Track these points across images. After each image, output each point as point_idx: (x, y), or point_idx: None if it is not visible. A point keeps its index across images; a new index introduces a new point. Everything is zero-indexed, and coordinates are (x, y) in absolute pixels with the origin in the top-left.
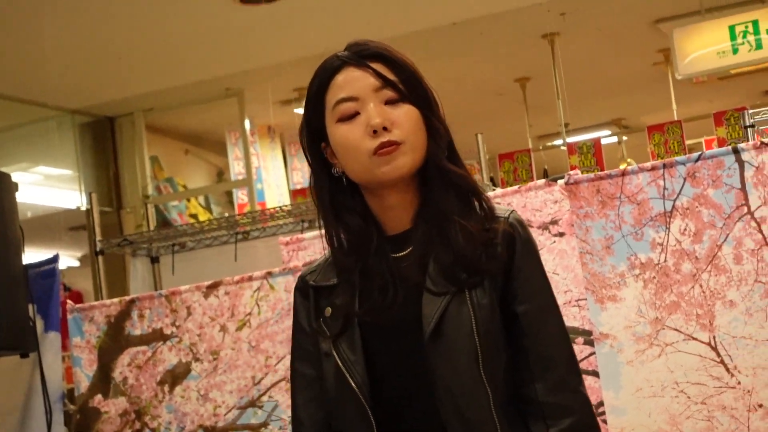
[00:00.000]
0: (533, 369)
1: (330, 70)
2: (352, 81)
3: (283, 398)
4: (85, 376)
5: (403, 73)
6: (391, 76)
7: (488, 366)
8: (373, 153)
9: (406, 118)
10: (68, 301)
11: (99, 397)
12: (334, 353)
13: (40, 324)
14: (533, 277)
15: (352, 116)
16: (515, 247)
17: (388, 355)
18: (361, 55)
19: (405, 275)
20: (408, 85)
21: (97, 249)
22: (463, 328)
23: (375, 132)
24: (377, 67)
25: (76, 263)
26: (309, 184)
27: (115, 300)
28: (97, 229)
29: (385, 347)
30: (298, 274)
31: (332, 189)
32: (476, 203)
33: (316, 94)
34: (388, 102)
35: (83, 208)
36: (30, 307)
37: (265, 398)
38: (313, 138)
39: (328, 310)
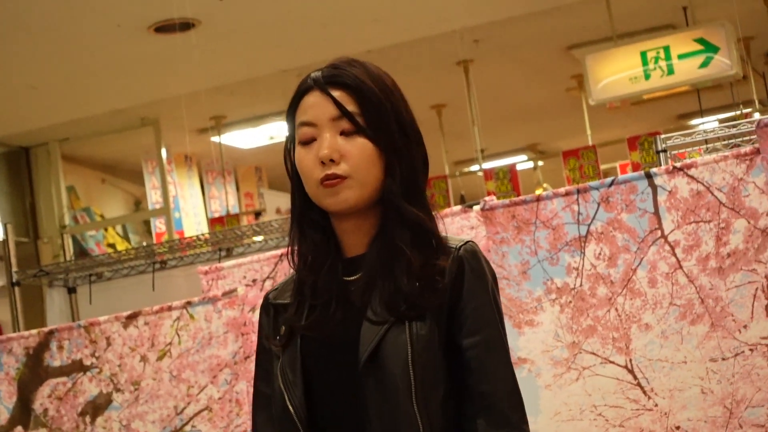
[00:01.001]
0: (476, 405)
1: (301, 90)
2: (315, 106)
3: (206, 427)
4: (4, 408)
5: (365, 105)
6: (352, 106)
7: (422, 398)
8: (320, 183)
9: (356, 152)
10: None
11: (19, 428)
12: (279, 374)
13: None
14: (481, 310)
15: (309, 141)
16: (463, 279)
17: (326, 379)
18: (328, 80)
19: (350, 299)
20: (368, 118)
21: (14, 280)
22: (398, 358)
23: (323, 163)
24: (340, 95)
25: None
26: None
27: (34, 331)
28: (13, 260)
29: (324, 370)
30: (218, 303)
31: (303, 204)
32: (430, 240)
33: (289, 111)
34: (344, 133)
35: None
36: None
37: (188, 428)
38: (291, 151)
39: (283, 329)
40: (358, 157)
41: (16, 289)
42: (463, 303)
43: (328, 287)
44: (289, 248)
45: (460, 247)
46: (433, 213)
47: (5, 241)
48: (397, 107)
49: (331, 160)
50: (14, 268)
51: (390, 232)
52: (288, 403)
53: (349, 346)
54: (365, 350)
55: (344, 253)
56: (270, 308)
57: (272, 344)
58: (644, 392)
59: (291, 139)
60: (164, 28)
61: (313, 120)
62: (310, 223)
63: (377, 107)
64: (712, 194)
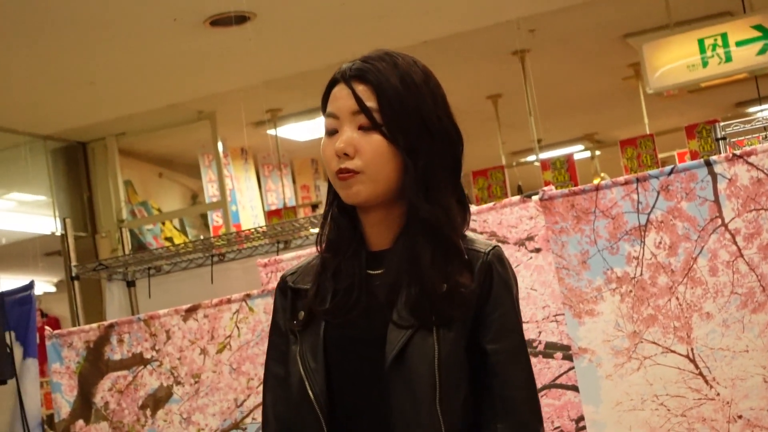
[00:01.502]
0: (497, 409)
1: (332, 82)
2: (339, 98)
3: None
4: (65, 401)
5: (384, 102)
6: (371, 102)
7: (445, 400)
8: (336, 174)
9: (370, 148)
10: (46, 327)
11: (80, 422)
12: (299, 359)
13: (19, 351)
14: (507, 317)
15: (332, 132)
16: (492, 285)
17: (348, 371)
18: (353, 73)
19: (374, 292)
20: (386, 116)
21: (73, 274)
22: (425, 360)
23: (339, 156)
24: (361, 89)
25: (52, 289)
26: None
27: (94, 325)
28: (72, 255)
29: (346, 362)
30: None
31: (335, 191)
32: (450, 242)
33: (322, 100)
34: (362, 128)
35: (58, 234)
36: (7, 334)
37: (248, 420)
38: None
39: (302, 314)
40: (371, 154)
41: (76, 283)
42: (489, 309)
43: (350, 273)
44: (319, 231)
45: (489, 252)
46: (459, 213)
47: (64, 236)
48: (423, 105)
49: (346, 154)
50: (73, 263)
51: (412, 231)
52: (309, 390)
53: (375, 342)
54: (392, 351)
55: (369, 246)
56: (288, 291)
57: (290, 327)
58: (706, 381)
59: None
60: (220, 21)
61: (335, 112)
62: (340, 209)
63: (397, 105)
64: None
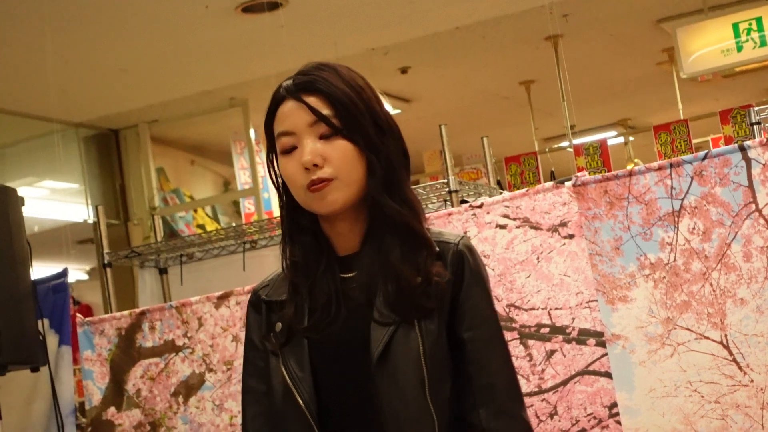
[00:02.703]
0: (477, 396)
1: (275, 102)
2: (290, 115)
3: None
4: (97, 389)
5: (339, 107)
6: (326, 110)
7: (434, 392)
8: (307, 188)
9: (338, 153)
10: (78, 314)
11: (112, 409)
12: (283, 369)
13: (54, 339)
14: (480, 305)
15: (290, 150)
16: (463, 275)
17: (335, 375)
18: (300, 87)
19: (351, 296)
20: (343, 119)
21: (105, 261)
22: (410, 354)
23: (307, 169)
24: (313, 100)
25: (85, 276)
26: None
27: (126, 312)
28: (105, 242)
29: (332, 366)
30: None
31: (290, 209)
32: (416, 235)
33: (266, 124)
34: (323, 137)
35: (90, 221)
36: (40, 321)
37: None
38: (273, 161)
39: (278, 326)
40: (340, 159)
41: (108, 270)
42: (463, 297)
43: (326, 287)
44: (282, 256)
45: (459, 242)
46: (419, 205)
47: (96, 224)
48: (371, 105)
49: (315, 165)
50: (105, 250)
51: (379, 229)
52: (298, 398)
53: (358, 343)
54: (376, 349)
55: (337, 252)
56: (261, 305)
57: (267, 341)
58: (740, 368)
59: (271, 150)
60: (252, 8)
61: (290, 129)
62: (298, 229)
63: (351, 107)
64: None
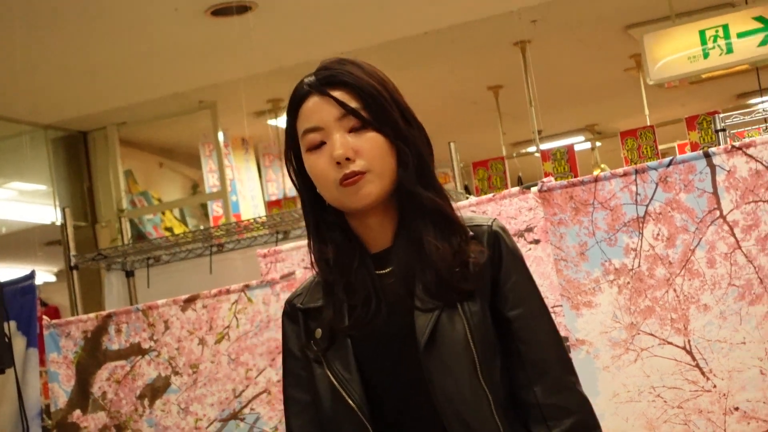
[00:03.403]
0: (530, 373)
1: (298, 98)
2: (316, 111)
3: (264, 410)
4: (62, 391)
5: (366, 99)
6: (353, 103)
7: (486, 372)
8: (339, 183)
9: (369, 146)
10: (44, 316)
11: (78, 412)
12: (329, 373)
13: (22, 341)
14: (521, 282)
15: (318, 146)
16: (501, 255)
17: (383, 370)
18: (324, 82)
19: (390, 290)
20: (371, 111)
21: (72, 264)
22: (457, 337)
23: (339, 163)
24: (339, 94)
25: (53, 278)
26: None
27: (92, 315)
28: (72, 244)
29: (379, 362)
30: (276, 285)
31: (316, 207)
32: (451, 222)
33: (289, 121)
34: (353, 130)
35: (58, 223)
36: (6, 324)
37: (246, 411)
38: (295, 160)
39: (318, 332)
40: (371, 151)
41: (75, 272)
42: (503, 277)
43: (363, 284)
44: (311, 255)
45: (492, 223)
46: (451, 202)
47: (63, 226)
48: (396, 96)
49: (347, 159)
50: (72, 252)
51: (412, 222)
52: (349, 400)
53: (403, 334)
54: (423, 336)
55: (369, 250)
56: (298, 314)
57: (308, 350)
58: (703, 373)
59: (292, 148)
60: (221, 11)
61: (318, 124)
62: (328, 227)
63: (378, 99)
64: None
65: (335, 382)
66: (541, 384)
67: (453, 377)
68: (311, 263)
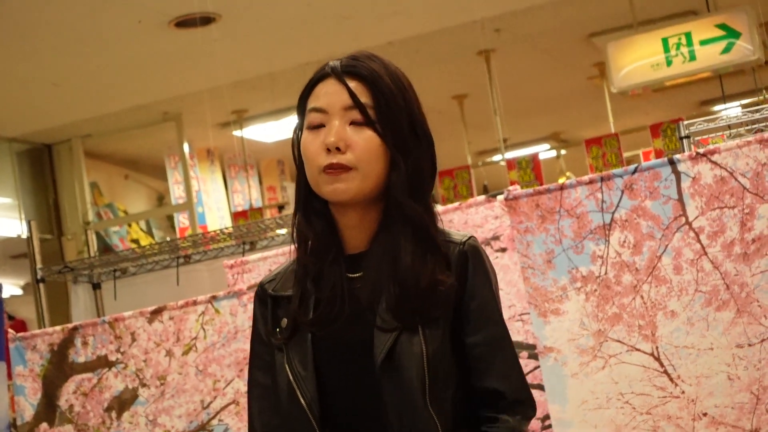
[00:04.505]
0: (485, 401)
1: (317, 78)
2: (328, 93)
3: (233, 421)
4: (29, 404)
5: (378, 98)
6: (366, 98)
7: (436, 398)
8: (323, 170)
9: (363, 144)
10: (9, 330)
11: (44, 425)
12: (287, 368)
13: None
14: (484, 307)
15: (317, 127)
16: (467, 276)
17: (338, 375)
18: (346, 69)
19: (355, 296)
20: (379, 112)
21: (38, 277)
22: (413, 360)
23: (329, 150)
24: (356, 86)
25: (19, 291)
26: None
27: (58, 328)
28: (38, 257)
29: (335, 367)
30: (244, 296)
31: (308, 192)
32: (431, 239)
33: (301, 96)
34: (354, 123)
35: (24, 236)
36: None
37: (214, 422)
38: (298, 139)
39: (284, 321)
40: (363, 149)
41: (41, 285)
42: (466, 299)
43: (331, 282)
44: (293, 233)
45: (464, 242)
46: (436, 215)
47: (29, 239)
48: (411, 106)
49: (338, 149)
50: (39, 265)
51: (392, 230)
52: (300, 398)
53: (362, 346)
54: (380, 353)
55: (345, 250)
56: (267, 299)
57: (272, 337)
58: (671, 379)
59: (300, 127)
60: (185, 23)
61: (324, 107)
62: (314, 211)
63: (390, 102)
64: (736, 180)
65: (291, 378)
66: (495, 412)
67: (404, 397)
68: (292, 242)
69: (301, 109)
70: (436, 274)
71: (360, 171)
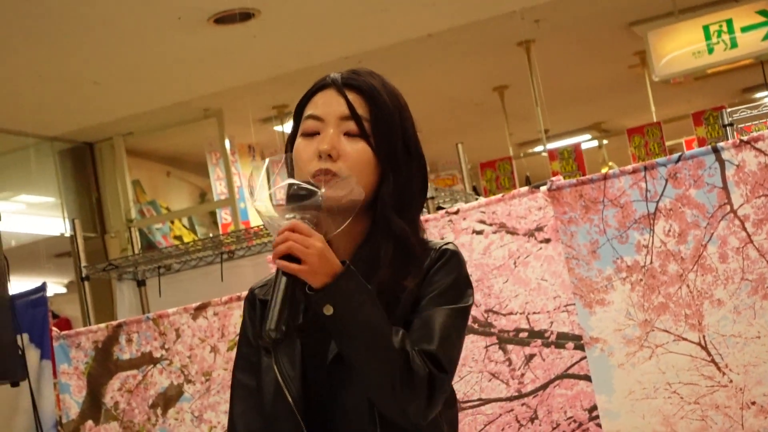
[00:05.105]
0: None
1: (317, 86)
2: (326, 102)
3: None
4: (74, 402)
5: (375, 113)
6: (362, 111)
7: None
8: (312, 175)
9: (356, 155)
10: (54, 328)
11: (90, 423)
12: (275, 368)
13: (36, 353)
14: (443, 281)
15: (312, 134)
16: (433, 266)
17: (322, 378)
18: (345, 81)
19: None
20: (375, 126)
21: (83, 275)
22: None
23: (321, 157)
24: (354, 98)
25: (63, 290)
26: None
27: (102, 325)
28: (82, 255)
29: (320, 370)
30: None
31: None
32: (409, 256)
33: (299, 104)
34: (349, 134)
35: (67, 235)
36: (19, 336)
37: None
38: (292, 145)
39: None
40: (355, 160)
41: (86, 283)
42: (425, 285)
43: None
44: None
45: (440, 247)
46: (422, 234)
47: (73, 237)
48: (406, 124)
49: (329, 156)
50: (83, 263)
51: (375, 244)
52: (288, 396)
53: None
54: (331, 352)
55: None
56: (257, 303)
57: (260, 339)
58: (718, 368)
59: (294, 134)
60: (224, 19)
61: (321, 115)
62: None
63: (386, 117)
64: None
65: (279, 377)
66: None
67: (354, 397)
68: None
69: (298, 116)
70: (409, 285)
71: None
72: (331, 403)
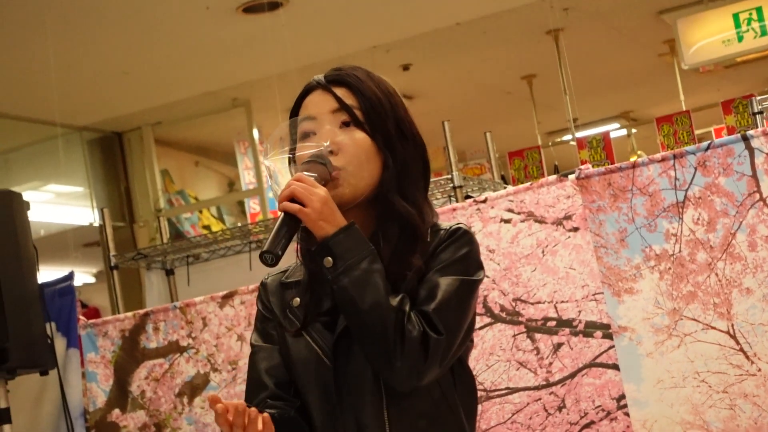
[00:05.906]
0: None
1: (303, 92)
2: (315, 102)
3: None
4: (101, 391)
5: (364, 101)
6: (351, 101)
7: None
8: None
9: (353, 144)
10: (81, 317)
11: (117, 411)
12: (305, 335)
13: (62, 342)
14: (450, 256)
15: (308, 135)
16: (440, 245)
17: (344, 362)
18: (330, 79)
19: None
20: (367, 113)
21: (112, 264)
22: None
23: None
24: (341, 91)
25: (92, 279)
26: None
27: (129, 314)
28: (111, 244)
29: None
30: None
31: None
32: (416, 239)
33: (291, 113)
34: (344, 125)
35: (96, 224)
36: (48, 325)
37: None
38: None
39: (296, 301)
40: (354, 149)
41: (115, 273)
42: (431, 263)
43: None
44: (297, 245)
45: (449, 228)
46: (429, 212)
47: (102, 226)
48: (396, 109)
49: (330, 152)
50: (112, 252)
51: (384, 227)
52: (315, 347)
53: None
54: (339, 326)
55: None
56: (275, 286)
57: (286, 321)
58: (747, 357)
59: (291, 136)
60: (253, 8)
61: (313, 114)
62: None
63: (375, 104)
64: None
65: (309, 340)
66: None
67: (359, 369)
68: (296, 250)
69: (293, 124)
70: (418, 262)
71: (350, 172)
72: (340, 375)
